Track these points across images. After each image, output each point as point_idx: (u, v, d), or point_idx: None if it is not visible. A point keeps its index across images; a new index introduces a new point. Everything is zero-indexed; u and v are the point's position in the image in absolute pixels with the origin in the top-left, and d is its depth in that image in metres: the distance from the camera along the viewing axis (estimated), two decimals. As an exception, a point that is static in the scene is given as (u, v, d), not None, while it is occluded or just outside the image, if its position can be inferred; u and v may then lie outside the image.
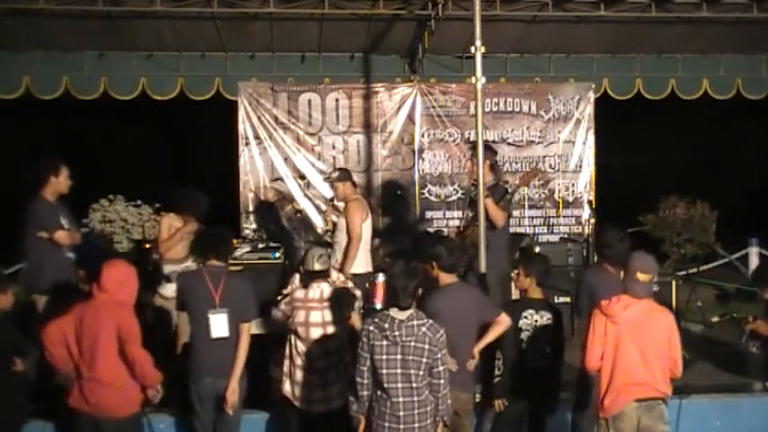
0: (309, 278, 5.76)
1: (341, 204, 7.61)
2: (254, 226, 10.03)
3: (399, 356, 4.72)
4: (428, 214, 10.35)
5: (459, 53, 10.43)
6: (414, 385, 4.72)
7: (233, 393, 5.39)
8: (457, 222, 7.87)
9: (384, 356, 4.73)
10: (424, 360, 4.73)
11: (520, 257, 6.63)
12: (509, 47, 10.33)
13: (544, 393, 5.78)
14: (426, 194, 10.48)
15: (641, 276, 4.95)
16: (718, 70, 10.95)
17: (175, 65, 10.25)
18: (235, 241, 8.81)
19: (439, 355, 4.77)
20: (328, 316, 5.73)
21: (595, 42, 10.39)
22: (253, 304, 5.64)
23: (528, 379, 5.72)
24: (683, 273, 10.36)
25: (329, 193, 10.25)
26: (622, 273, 5.28)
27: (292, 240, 9.75)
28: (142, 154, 15.68)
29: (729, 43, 10.41)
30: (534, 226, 10.52)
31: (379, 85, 10.44)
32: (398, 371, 4.72)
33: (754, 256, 11.89)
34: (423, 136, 10.49)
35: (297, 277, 5.92)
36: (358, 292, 6.16)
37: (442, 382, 4.80)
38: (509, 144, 10.56)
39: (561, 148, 10.65)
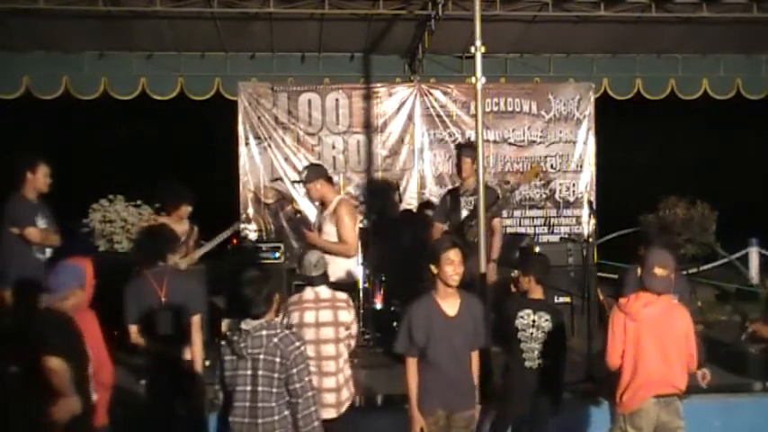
0: (306, 282, 5.67)
1: (328, 207, 6.98)
2: (253, 226, 10.01)
3: (249, 372, 4.13)
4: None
5: (459, 53, 10.41)
6: (260, 405, 4.11)
7: None
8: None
9: (231, 372, 4.17)
10: (276, 375, 4.11)
11: (518, 258, 6.61)
12: (509, 47, 10.32)
13: (544, 395, 5.72)
14: (426, 194, 10.45)
15: (659, 271, 5.02)
16: (718, 70, 10.93)
17: (175, 65, 10.24)
18: (234, 241, 8.86)
19: (295, 370, 4.13)
20: (323, 317, 5.53)
21: (595, 42, 10.38)
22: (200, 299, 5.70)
23: (527, 380, 5.70)
24: (683, 273, 10.36)
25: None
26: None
27: (292, 240, 9.74)
28: (142, 154, 15.68)
29: (729, 43, 10.40)
30: (534, 226, 10.47)
31: (378, 85, 10.40)
32: (248, 388, 4.13)
33: (754, 255, 11.92)
34: (423, 136, 10.47)
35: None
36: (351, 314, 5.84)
37: (300, 401, 4.15)
38: (510, 144, 10.53)
39: (562, 148, 10.62)
